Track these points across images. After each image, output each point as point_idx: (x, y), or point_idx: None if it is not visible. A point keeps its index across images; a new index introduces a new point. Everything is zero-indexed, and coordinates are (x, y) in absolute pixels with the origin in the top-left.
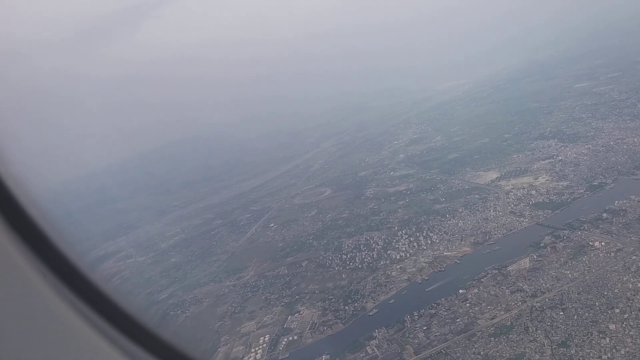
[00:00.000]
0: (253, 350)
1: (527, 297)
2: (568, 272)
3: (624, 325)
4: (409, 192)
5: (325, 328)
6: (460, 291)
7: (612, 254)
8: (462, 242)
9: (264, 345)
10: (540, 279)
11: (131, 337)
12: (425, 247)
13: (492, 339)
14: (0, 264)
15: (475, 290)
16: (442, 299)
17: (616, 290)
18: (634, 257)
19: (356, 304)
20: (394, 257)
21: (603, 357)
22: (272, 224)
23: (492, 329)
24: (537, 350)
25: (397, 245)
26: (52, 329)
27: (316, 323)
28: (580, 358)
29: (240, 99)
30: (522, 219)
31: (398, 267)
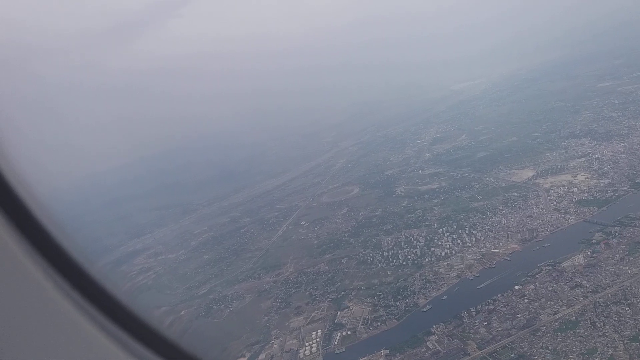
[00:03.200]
0: (307, 344)
1: (587, 292)
2: (627, 268)
3: None
4: (442, 190)
5: (378, 323)
6: (516, 287)
7: None
8: (509, 240)
9: (318, 339)
10: (599, 275)
11: (135, 336)
12: (470, 245)
13: (559, 334)
14: (3, 262)
15: (532, 287)
16: (498, 295)
17: None
18: None
19: (407, 300)
20: (438, 254)
21: None
22: (302, 222)
23: (556, 324)
24: (609, 345)
25: (439, 243)
26: (56, 327)
27: (368, 319)
28: None
29: (253, 93)
30: (567, 216)
31: (445, 264)
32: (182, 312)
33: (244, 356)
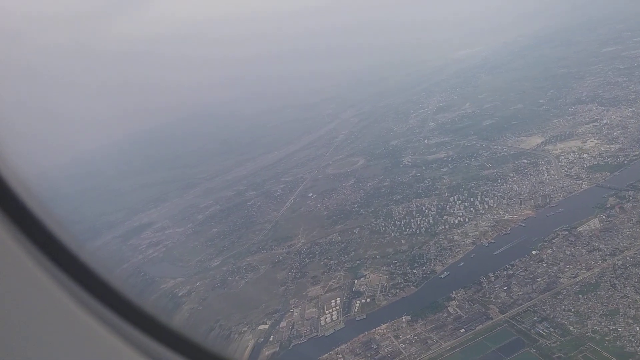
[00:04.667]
0: (327, 312)
1: (606, 255)
2: None
3: None
4: (450, 159)
5: (397, 291)
6: (534, 252)
7: None
8: (522, 206)
9: (337, 307)
10: (616, 238)
11: (140, 329)
12: (483, 212)
13: (580, 296)
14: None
15: (549, 251)
16: (516, 260)
17: None
18: None
19: (424, 268)
20: (451, 222)
21: None
22: (310, 194)
23: (576, 287)
24: (631, 306)
25: (452, 211)
26: (57, 323)
27: (386, 286)
28: None
29: (246, 77)
30: (580, 181)
31: (459, 231)
32: (198, 283)
33: (265, 324)
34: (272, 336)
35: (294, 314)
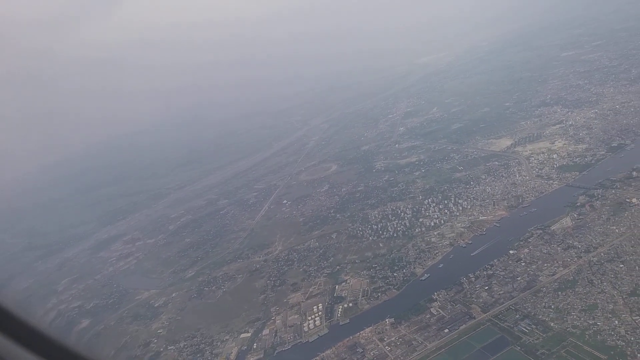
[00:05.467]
0: (310, 318)
1: (580, 252)
2: (614, 227)
3: None
4: (422, 163)
5: (379, 294)
6: (511, 252)
7: None
8: (496, 207)
9: (320, 313)
10: (588, 236)
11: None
12: (458, 214)
13: (559, 293)
14: None
15: (526, 250)
16: (495, 260)
17: None
18: None
19: (404, 270)
20: (428, 224)
21: None
22: (284, 201)
23: (555, 284)
24: (609, 301)
25: (427, 213)
26: None
27: (367, 290)
28: None
29: (212, 84)
30: (550, 181)
31: (436, 233)
32: (174, 295)
33: (247, 332)
34: (255, 344)
35: (276, 322)
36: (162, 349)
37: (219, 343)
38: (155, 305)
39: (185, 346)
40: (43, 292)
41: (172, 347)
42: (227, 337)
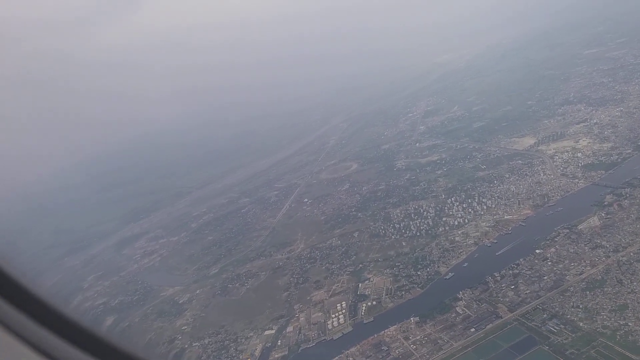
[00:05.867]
0: (333, 316)
1: (609, 252)
2: None
3: None
4: (443, 162)
5: (403, 293)
6: (537, 251)
7: None
8: (521, 206)
9: (343, 311)
10: (617, 235)
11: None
12: (482, 212)
13: (588, 292)
14: None
15: (553, 249)
16: (520, 260)
17: None
18: None
19: (428, 269)
20: (451, 223)
21: None
22: (305, 199)
23: (583, 284)
24: (639, 301)
25: (450, 212)
26: None
27: (391, 289)
28: None
29: (233, 84)
30: (576, 180)
31: (460, 232)
32: (198, 291)
33: (271, 329)
34: (279, 340)
35: (300, 319)
36: (186, 346)
37: (243, 340)
38: (180, 302)
39: (210, 343)
40: (70, 289)
41: (196, 343)
42: (251, 334)
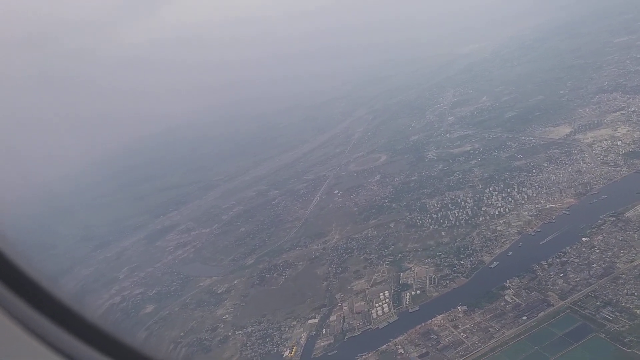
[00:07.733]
0: (377, 305)
1: None
2: None
3: None
4: (477, 152)
5: (447, 282)
6: (584, 239)
7: None
8: (563, 194)
9: (387, 300)
10: None
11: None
12: (523, 202)
13: None
14: None
15: (600, 237)
16: (567, 248)
17: None
18: None
19: (471, 259)
20: (491, 213)
21: None
22: (336, 191)
23: (636, 271)
24: None
25: (490, 202)
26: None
27: (434, 278)
28: None
29: (254, 79)
30: (618, 168)
31: (501, 221)
32: (235, 281)
33: (314, 318)
34: (324, 329)
35: (343, 308)
36: (229, 334)
37: (286, 328)
38: (218, 292)
39: (253, 331)
40: (105, 280)
41: (239, 332)
42: (294, 323)
